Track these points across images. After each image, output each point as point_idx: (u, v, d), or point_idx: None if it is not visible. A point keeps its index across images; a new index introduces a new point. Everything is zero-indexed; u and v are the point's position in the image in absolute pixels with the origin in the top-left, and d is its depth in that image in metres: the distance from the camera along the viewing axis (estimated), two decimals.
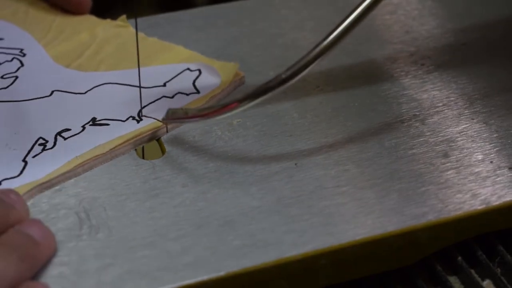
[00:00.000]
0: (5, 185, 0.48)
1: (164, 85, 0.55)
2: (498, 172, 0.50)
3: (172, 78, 0.56)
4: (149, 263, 0.44)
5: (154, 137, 0.52)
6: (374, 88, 0.56)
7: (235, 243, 0.45)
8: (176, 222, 0.46)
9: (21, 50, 0.58)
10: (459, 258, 0.49)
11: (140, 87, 0.53)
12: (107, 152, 0.50)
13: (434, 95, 0.56)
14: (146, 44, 0.58)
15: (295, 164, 0.50)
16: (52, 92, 0.55)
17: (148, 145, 0.52)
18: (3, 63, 0.57)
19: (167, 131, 0.52)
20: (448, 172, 0.50)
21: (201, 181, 0.49)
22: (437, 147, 0.51)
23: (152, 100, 0.54)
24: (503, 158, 0.51)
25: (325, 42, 0.48)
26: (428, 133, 0.52)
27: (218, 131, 0.53)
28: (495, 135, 0.52)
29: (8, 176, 0.49)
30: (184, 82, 0.56)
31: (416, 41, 0.60)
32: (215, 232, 0.46)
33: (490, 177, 0.49)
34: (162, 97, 0.54)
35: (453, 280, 0.49)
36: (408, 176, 0.49)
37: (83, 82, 0.55)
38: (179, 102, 0.54)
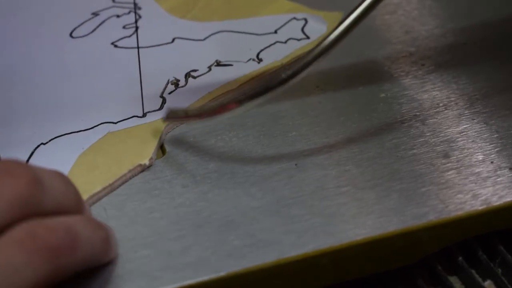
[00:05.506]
0: (150, 116, 0.53)
1: (275, 32, 0.60)
2: (498, 172, 0.50)
3: (282, 26, 0.60)
4: (149, 263, 0.44)
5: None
6: (374, 88, 0.56)
7: (236, 243, 0.45)
8: (176, 222, 0.46)
9: (136, 4, 0.63)
10: (460, 258, 0.49)
11: (140, 79, 0.54)
12: (236, 88, 0.55)
13: (434, 95, 0.55)
14: None
15: (296, 164, 0.50)
16: (174, 39, 0.59)
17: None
18: (121, 15, 0.62)
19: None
20: (449, 173, 0.50)
21: (201, 182, 0.49)
22: (438, 147, 0.51)
23: (267, 45, 0.59)
24: (504, 158, 0.51)
25: (325, 42, 0.48)
26: (429, 134, 0.52)
27: (219, 131, 0.52)
28: (495, 136, 0.52)
29: (151, 109, 0.53)
30: (293, 29, 0.60)
31: (416, 41, 0.60)
32: (215, 232, 0.46)
33: (490, 177, 0.49)
34: (275, 42, 0.59)
35: (454, 280, 0.49)
36: (408, 176, 0.49)
37: (200, 30, 0.60)
38: (292, 47, 0.58)
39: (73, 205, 0.42)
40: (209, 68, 0.57)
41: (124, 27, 0.61)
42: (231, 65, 0.57)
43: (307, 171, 0.50)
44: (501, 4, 0.64)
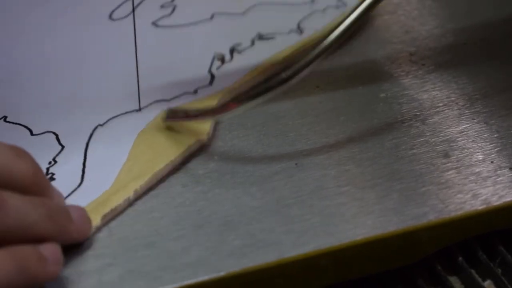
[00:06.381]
0: (200, 93, 0.54)
1: (312, 1, 0.61)
2: (498, 172, 0.50)
3: None
4: (149, 263, 0.44)
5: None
6: (374, 88, 0.56)
7: (235, 243, 0.45)
8: (176, 222, 0.46)
9: None
10: (460, 258, 0.49)
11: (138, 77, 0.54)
12: (282, 60, 0.56)
13: (434, 95, 0.55)
14: None
15: (296, 164, 0.50)
16: (213, 15, 0.61)
17: None
18: None
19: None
20: (449, 172, 0.50)
21: (201, 181, 0.49)
22: (438, 147, 0.51)
23: (306, 15, 0.60)
24: (504, 158, 0.51)
25: (325, 42, 0.48)
26: (429, 133, 0.52)
27: (219, 131, 0.52)
28: (495, 135, 0.52)
29: (201, 85, 0.54)
30: None
31: (416, 41, 0.60)
32: (215, 232, 0.46)
33: (490, 177, 0.49)
34: (313, 11, 0.60)
35: (454, 280, 0.49)
36: (408, 176, 0.49)
37: (237, 4, 0.61)
38: (331, 15, 0.60)
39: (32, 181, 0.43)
40: (252, 41, 0.58)
41: (162, 6, 0.61)
42: (273, 37, 0.58)
43: (307, 170, 0.50)
44: (501, 4, 0.64)
